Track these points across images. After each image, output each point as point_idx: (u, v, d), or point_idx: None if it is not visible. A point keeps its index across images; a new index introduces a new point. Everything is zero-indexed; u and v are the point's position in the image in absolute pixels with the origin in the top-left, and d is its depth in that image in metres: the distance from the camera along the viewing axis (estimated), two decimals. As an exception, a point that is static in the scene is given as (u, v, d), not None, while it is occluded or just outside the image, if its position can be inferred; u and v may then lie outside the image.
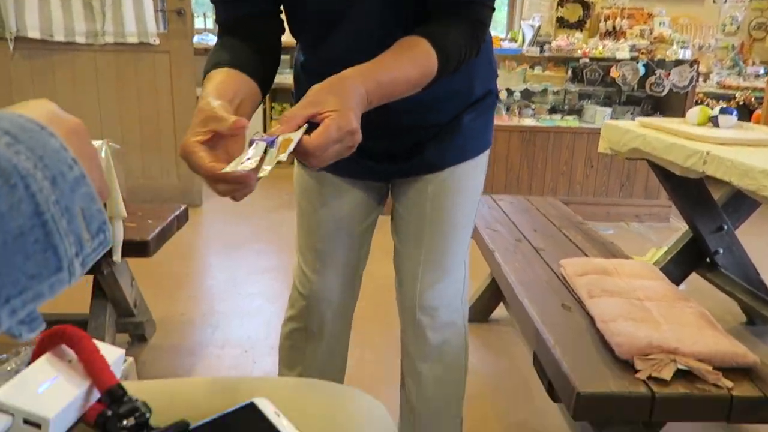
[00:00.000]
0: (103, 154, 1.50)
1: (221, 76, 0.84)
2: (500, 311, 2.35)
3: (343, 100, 0.73)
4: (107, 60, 3.44)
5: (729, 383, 1.11)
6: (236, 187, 0.67)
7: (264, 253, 3.07)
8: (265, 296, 2.54)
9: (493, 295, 2.27)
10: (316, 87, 0.74)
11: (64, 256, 0.36)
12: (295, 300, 1.31)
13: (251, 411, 0.54)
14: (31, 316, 0.38)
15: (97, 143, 1.49)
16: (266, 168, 0.64)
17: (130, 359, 1.40)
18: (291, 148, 0.67)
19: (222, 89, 0.80)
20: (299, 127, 0.71)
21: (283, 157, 0.65)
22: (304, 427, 0.54)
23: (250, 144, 0.68)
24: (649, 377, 1.12)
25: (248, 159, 0.65)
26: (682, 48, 3.79)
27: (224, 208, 3.78)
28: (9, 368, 0.74)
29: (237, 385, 0.63)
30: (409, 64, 0.84)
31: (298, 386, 0.64)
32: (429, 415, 1.35)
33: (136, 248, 1.72)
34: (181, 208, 2.02)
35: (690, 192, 2.15)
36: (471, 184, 1.21)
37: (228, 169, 0.65)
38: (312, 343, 1.32)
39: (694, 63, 3.73)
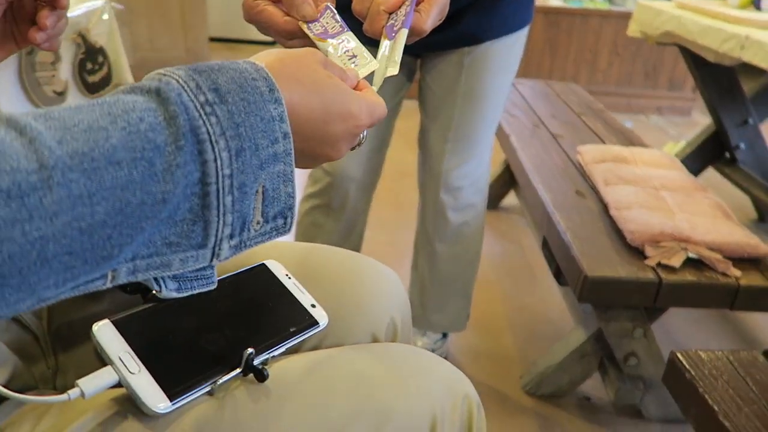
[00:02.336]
0: (106, 16, 1.42)
1: None
2: (510, 199, 2.34)
3: None
4: None
5: (738, 272, 1.11)
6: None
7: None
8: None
9: (504, 182, 2.25)
10: None
11: (213, 234, 0.33)
12: (318, 178, 1.29)
13: (262, 272, 0.54)
14: (200, 276, 0.37)
15: (99, 3, 1.40)
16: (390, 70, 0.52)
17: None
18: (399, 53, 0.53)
19: None
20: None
21: (395, 70, 0.53)
22: (316, 289, 0.54)
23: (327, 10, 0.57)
24: (659, 264, 1.12)
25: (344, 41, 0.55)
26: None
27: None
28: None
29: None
30: None
31: (312, 251, 0.63)
32: (439, 293, 1.38)
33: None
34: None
35: (720, 81, 2.05)
36: (510, 60, 1.15)
37: (312, 36, 0.55)
38: (332, 218, 1.32)
39: (741, -59, 3.43)
